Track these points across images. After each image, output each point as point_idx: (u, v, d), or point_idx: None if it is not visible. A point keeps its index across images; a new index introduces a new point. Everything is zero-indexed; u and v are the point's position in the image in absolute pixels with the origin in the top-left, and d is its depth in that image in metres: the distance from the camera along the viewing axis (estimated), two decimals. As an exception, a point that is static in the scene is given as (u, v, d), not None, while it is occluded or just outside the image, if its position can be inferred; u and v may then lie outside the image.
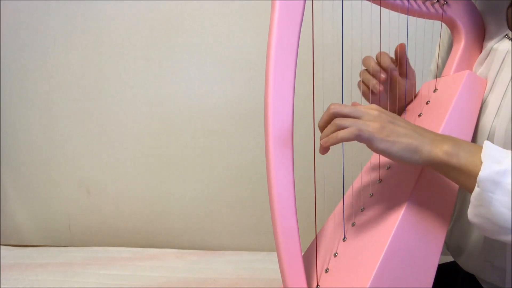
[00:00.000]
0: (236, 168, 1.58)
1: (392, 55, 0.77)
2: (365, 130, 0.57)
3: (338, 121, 0.59)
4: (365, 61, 0.77)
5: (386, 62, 0.74)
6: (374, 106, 0.61)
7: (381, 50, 0.75)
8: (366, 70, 0.77)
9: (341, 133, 0.58)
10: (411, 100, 0.81)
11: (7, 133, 1.66)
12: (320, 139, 0.61)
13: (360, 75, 0.79)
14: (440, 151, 0.57)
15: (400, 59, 0.75)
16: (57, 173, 1.66)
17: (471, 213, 0.56)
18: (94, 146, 1.63)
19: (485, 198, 0.54)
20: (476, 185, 0.54)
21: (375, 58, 0.76)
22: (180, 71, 1.55)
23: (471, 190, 0.56)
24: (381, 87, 0.75)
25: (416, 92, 0.82)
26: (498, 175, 0.53)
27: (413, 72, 0.79)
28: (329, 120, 0.60)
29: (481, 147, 0.56)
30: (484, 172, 0.54)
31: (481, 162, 0.54)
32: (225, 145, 1.57)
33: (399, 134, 0.58)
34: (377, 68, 0.75)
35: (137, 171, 1.63)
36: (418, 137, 0.58)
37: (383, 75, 0.74)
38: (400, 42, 0.75)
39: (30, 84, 1.62)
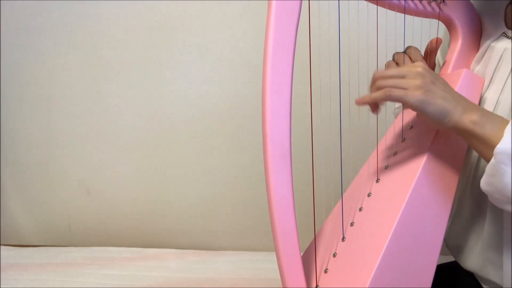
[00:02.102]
0: (236, 168, 1.58)
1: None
2: (396, 91, 0.62)
3: (380, 82, 0.63)
4: (399, 58, 0.77)
5: (419, 59, 0.75)
6: (420, 64, 0.64)
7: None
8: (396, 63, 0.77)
9: (374, 94, 0.63)
10: None
11: (7, 133, 1.66)
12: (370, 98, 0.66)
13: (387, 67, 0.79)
14: (467, 120, 0.60)
15: (431, 53, 0.75)
16: (57, 173, 1.66)
17: (484, 181, 0.60)
18: (94, 146, 1.63)
19: (498, 170, 0.57)
20: (493, 156, 0.57)
21: (406, 54, 0.76)
22: (180, 71, 1.55)
23: (487, 160, 0.59)
24: None
25: None
26: None
27: (435, 64, 0.80)
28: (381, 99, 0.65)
29: (508, 121, 0.59)
30: (501, 145, 0.56)
31: (503, 135, 0.57)
32: (225, 145, 1.57)
33: (437, 95, 0.61)
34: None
35: (137, 171, 1.63)
36: (453, 102, 0.62)
37: None
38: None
39: (30, 84, 1.62)
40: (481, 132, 0.59)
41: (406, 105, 0.62)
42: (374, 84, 0.65)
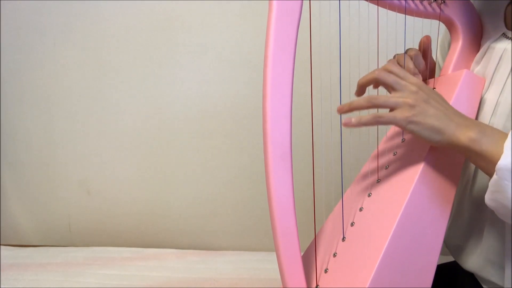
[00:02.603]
0: (236, 168, 1.58)
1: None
2: (385, 117, 0.61)
3: (371, 98, 0.62)
4: (400, 59, 0.76)
5: (420, 61, 0.74)
6: (416, 81, 0.64)
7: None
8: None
9: (364, 119, 0.62)
10: None
11: (7, 133, 1.66)
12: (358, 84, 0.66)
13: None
14: (463, 136, 0.60)
15: (425, 51, 0.75)
16: (57, 173, 1.66)
17: (488, 197, 0.59)
18: (94, 146, 1.63)
19: (501, 186, 0.56)
20: (495, 172, 0.57)
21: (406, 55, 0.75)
22: (180, 71, 1.55)
23: (490, 175, 0.58)
24: None
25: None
26: None
27: (434, 62, 0.79)
28: (370, 82, 0.65)
29: (506, 135, 0.59)
30: (503, 161, 0.56)
31: (503, 151, 0.57)
32: (225, 145, 1.57)
33: (427, 115, 0.61)
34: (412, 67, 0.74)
35: (137, 171, 1.63)
36: (445, 120, 0.61)
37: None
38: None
39: (30, 84, 1.62)
40: (479, 148, 0.59)
41: (396, 126, 0.63)
42: (370, 82, 0.66)
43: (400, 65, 0.74)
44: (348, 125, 0.62)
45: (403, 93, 0.63)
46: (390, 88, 0.64)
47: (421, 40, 0.75)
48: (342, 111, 0.64)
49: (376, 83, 0.66)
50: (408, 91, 0.63)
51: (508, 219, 0.59)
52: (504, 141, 0.58)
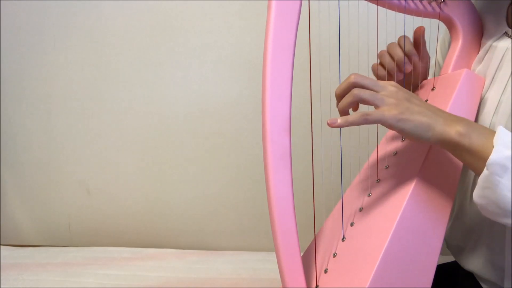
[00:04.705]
0: (236, 168, 1.58)
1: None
2: (373, 115, 0.58)
3: (356, 91, 0.60)
4: (391, 48, 0.75)
5: (410, 48, 0.74)
6: (392, 82, 0.62)
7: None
8: (388, 53, 0.76)
9: (350, 118, 0.59)
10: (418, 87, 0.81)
11: (7, 133, 1.66)
12: (338, 107, 0.62)
13: (378, 57, 0.78)
14: (452, 131, 0.58)
15: (418, 41, 0.75)
16: (57, 173, 1.66)
17: (477, 194, 0.58)
18: (94, 146, 1.63)
19: (492, 181, 0.55)
20: (485, 167, 0.55)
21: (398, 44, 0.75)
22: (180, 71, 1.55)
23: (478, 172, 0.57)
24: (399, 76, 0.76)
25: (428, 75, 0.83)
26: (508, 160, 0.54)
27: (428, 55, 0.79)
28: (348, 90, 0.61)
29: (494, 132, 0.57)
30: (494, 156, 0.55)
31: (493, 146, 0.56)
32: (225, 145, 1.57)
33: (413, 112, 0.59)
34: (402, 57, 0.74)
35: (137, 171, 1.63)
36: (432, 115, 0.60)
37: (408, 67, 0.75)
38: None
39: (30, 84, 1.62)
40: (469, 143, 0.57)
41: (384, 125, 0.60)
42: (348, 88, 0.61)
43: (391, 55, 0.75)
44: (333, 125, 0.59)
45: (385, 92, 0.60)
46: (369, 103, 0.61)
47: (415, 31, 0.74)
48: (335, 125, 0.59)
49: (357, 102, 0.62)
50: (388, 90, 0.61)
51: (495, 216, 0.57)
52: (493, 137, 0.57)
